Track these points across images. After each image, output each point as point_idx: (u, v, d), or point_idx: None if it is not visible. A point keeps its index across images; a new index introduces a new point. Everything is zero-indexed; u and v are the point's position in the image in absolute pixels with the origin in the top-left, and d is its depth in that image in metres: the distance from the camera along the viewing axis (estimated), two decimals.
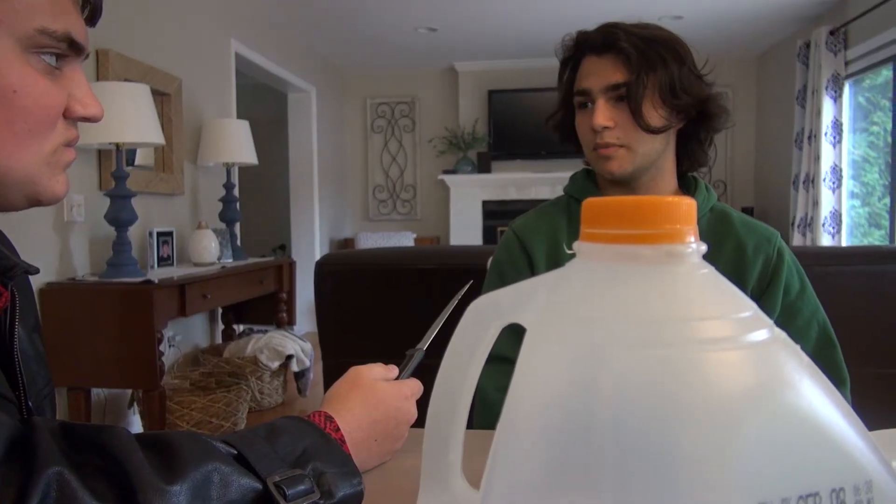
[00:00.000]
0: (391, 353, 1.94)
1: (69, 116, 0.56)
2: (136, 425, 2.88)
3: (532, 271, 1.07)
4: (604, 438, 0.25)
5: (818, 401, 0.27)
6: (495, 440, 0.30)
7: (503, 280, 1.10)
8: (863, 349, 1.60)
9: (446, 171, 5.91)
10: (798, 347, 0.29)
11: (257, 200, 6.10)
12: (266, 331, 3.46)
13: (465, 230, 5.90)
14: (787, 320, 1.02)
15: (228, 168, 3.52)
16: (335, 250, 5.88)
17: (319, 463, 0.51)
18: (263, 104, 5.83)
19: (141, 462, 0.42)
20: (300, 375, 3.37)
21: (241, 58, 4.11)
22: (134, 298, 2.45)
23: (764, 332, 0.28)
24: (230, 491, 0.45)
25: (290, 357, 3.25)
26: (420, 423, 0.70)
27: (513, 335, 1.19)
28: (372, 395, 0.64)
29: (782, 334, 0.29)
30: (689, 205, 0.29)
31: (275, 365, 3.20)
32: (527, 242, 1.09)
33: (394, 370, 0.71)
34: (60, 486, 0.38)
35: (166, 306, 2.54)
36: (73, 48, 0.54)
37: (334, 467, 0.51)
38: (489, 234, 5.88)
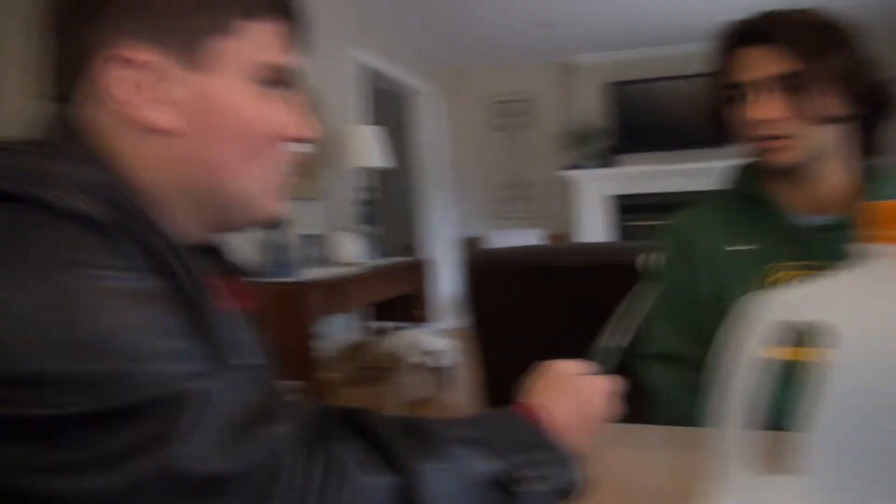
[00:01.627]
0: (542, 352, 1.95)
1: (286, 139, 0.60)
2: None
3: (692, 270, 1.05)
4: None
5: None
6: (811, 433, 0.31)
7: (662, 279, 1.08)
8: None
9: (569, 167, 5.84)
10: None
11: (387, 201, 6.33)
12: (406, 328, 3.59)
13: (592, 226, 5.80)
14: None
15: (365, 172, 3.69)
16: (462, 249, 5.98)
17: (541, 452, 0.52)
18: (389, 109, 6.04)
19: (401, 440, 0.45)
20: (441, 371, 3.47)
21: (369, 67, 4.29)
22: (289, 298, 2.63)
23: None
24: (476, 472, 0.47)
25: (431, 353, 3.36)
26: (624, 419, 0.71)
27: (682, 332, 1.16)
28: (572, 389, 0.65)
29: None
30: None
31: (417, 361, 3.32)
32: (686, 240, 1.07)
33: (588, 366, 0.72)
34: (342, 460, 0.42)
35: (317, 305, 2.71)
36: (290, 77, 0.59)
37: (555, 456, 0.53)
38: (618, 229, 5.75)
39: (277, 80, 0.58)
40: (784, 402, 0.53)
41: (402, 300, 3.74)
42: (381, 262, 3.53)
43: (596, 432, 0.68)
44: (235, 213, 0.59)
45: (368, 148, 3.55)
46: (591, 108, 5.79)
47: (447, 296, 5.60)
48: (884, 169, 1.05)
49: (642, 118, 5.57)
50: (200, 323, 0.48)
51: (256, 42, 0.56)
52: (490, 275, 1.85)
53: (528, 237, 5.74)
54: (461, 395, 3.63)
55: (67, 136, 0.52)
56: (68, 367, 0.37)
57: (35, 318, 0.38)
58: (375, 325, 3.85)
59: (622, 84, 5.65)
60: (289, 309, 2.63)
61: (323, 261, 3.41)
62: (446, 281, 5.58)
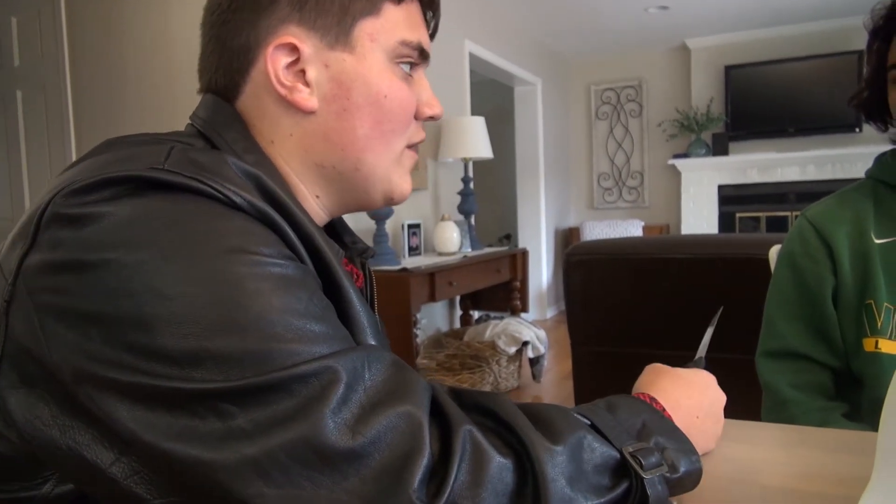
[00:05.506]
0: (644, 342, 1.91)
1: (418, 118, 0.63)
2: None
3: (833, 262, 0.99)
4: None
5: None
6: None
7: (796, 272, 1.03)
8: None
9: (677, 156, 5.62)
10: None
11: (484, 191, 6.36)
12: (502, 317, 3.61)
13: (699, 217, 5.56)
14: None
15: (466, 163, 3.72)
16: (560, 240, 5.92)
17: (660, 438, 0.52)
18: (490, 98, 6.05)
19: (527, 425, 0.46)
20: (535, 361, 3.47)
21: (473, 56, 4.31)
22: (394, 285, 2.71)
23: None
24: (595, 456, 0.48)
25: (525, 343, 3.36)
26: (737, 415, 0.69)
27: (809, 330, 1.10)
28: (680, 379, 0.64)
29: None
30: None
31: (512, 350, 3.33)
32: (825, 231, 1.01)
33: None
34: (473, 441, 0.43)
35: (419, 292, 2.78)
36: (422, 56, 0.62)
37: (673, 443, 0.52)
38: (726, 220, 5.48)
39: (414, 59, 0.61)
40: None
41: (500, 289, 3.76)
42: (480, 251, 3.56)
43: (720, 420, 0.67)
44: (371, 189, 0.62)
45: (473, 138, 3.57)
46: (706, 93, 5.53)
47: (543, 286, 5.57)
48: None
49: (757, 103, 5.26)
50: (338, 305, 0.51)
51: (398, 23, 0.59)
52: (583, 267, 1.82)
53: (630, 228, 5.59)
54: (553, 385, 3.61)
55: (229, 127, 0.57)
56: (218, 346, 0.40)
57: (198, 299, 0.41)
58: (471, 313, 3.89)
59: (737, 67, 5.35)
60: (391, 296, 2.71)
61: (426, 250, 3.48)
62: (543, 271, 5.54)
